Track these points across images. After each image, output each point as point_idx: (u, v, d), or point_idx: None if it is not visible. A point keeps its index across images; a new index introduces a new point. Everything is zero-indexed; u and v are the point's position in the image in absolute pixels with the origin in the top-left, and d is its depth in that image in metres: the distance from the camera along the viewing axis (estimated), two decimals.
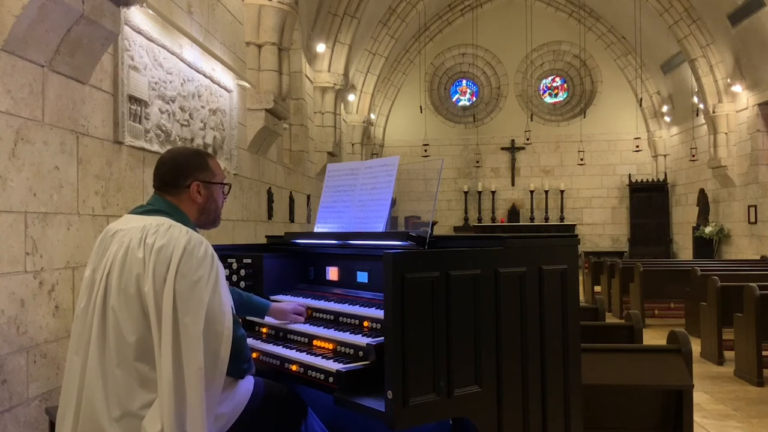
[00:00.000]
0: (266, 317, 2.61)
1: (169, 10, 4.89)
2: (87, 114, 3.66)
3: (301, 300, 2.69)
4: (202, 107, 5.61)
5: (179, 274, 1.92)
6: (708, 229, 13.49)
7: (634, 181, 17.47)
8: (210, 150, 5.80)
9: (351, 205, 2.76)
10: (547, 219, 17.66)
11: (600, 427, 3.25)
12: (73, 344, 2.05)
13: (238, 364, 2.10)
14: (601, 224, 17.92)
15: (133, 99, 4.24)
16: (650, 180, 17.39)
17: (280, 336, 2.58)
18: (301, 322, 2.58)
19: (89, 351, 1.98)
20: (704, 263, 9.72)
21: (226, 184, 2.30)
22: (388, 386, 1.82)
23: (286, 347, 2.44)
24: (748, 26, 11.29)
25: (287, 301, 2.70)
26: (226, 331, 1.97)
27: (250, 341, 2.56)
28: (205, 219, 2.23)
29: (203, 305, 1.92)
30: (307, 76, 10.51)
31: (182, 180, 2.16)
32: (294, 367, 2.29)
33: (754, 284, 5.84)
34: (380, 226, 2.57)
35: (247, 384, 2.27)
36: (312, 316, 2.64)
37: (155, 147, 4.54)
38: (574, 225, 17.56)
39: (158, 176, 2.19)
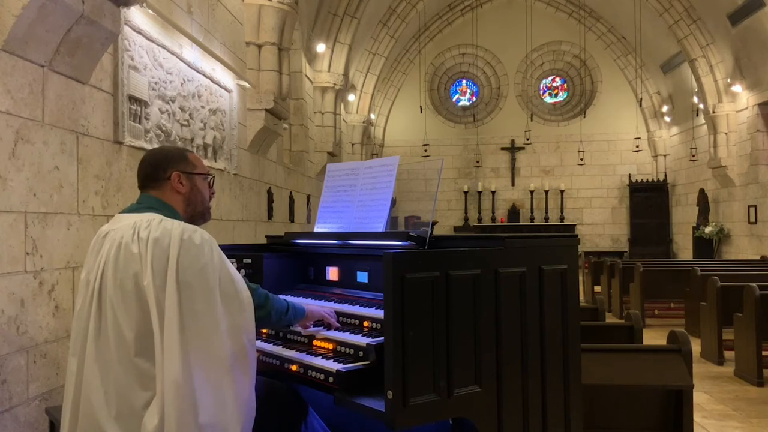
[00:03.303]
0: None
1: (169, 10, 4.89)
2: (87, 114, 3.66)
3: (300, 300, 2.69)
4: (202, 107, 5.61)
5: (181, 266, 1.92)
6: (708, 229, 13.49)
7: (634, 181, 17.47)
8: (210, 150, 5.80)
9: (351, 205, 2.76)
10: (547, 219, 17.66)
11: (600, 427, 3.25)
12: (71, 346, 2.06)
13: (279, 318, 2.25)
14: (601, 224, 17.91)
15: (133, 99, 4.24)
16: (650, 180, 17.38)
17: (280, 336, 2.58)
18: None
19: (86, 350, 1.98)
20: (704, 263, 9.71)
21: (207, 174, 2.31)
22: (388, 386, 1.82)
23: (286, 347, 2.44)
24: (748, 26, 11.29)
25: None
26: (247, 306, 2.02)
27: None
28: (192, 211, 2.23)
29: (215, 291, 1.94)
30: (307, 76, 10.51)
31: (162, 172, 2.19)
32: (294, 367, 2.29)
33: (754, 284, 5.84)
34: (380, 226, 2.57)
35: None
36: None
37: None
38: (574, 225, 17.56)
39: (140, 173, 2.24)
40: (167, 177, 2.19)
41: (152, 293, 1.91)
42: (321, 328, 2.44)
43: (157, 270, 1.92)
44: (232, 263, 2.81)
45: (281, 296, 2.38)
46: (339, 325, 2.44)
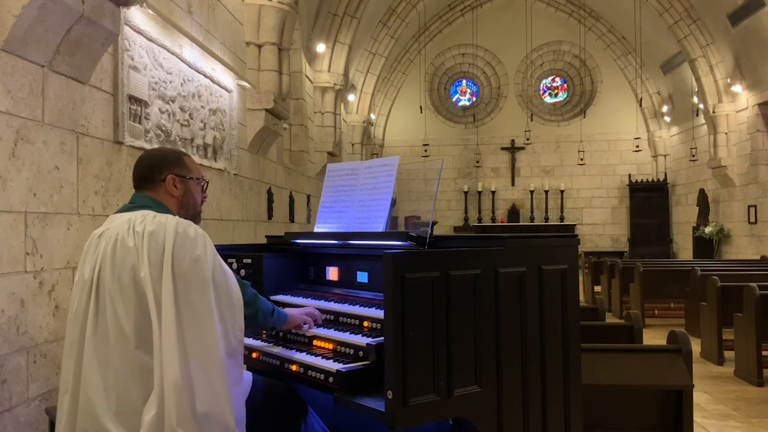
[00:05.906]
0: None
1: (169, 10, 4.89)
2: (87, 114, 3.66)
3: (300, 300, 2.69)
4: (202, 107, 5.61)
5: (176, 257, 1.94)
6: (708, 229, 13.49)
7: (634, 181, 17.47)
8: (210, 150, 5.80)
9: (351, 205, 2.76)
10: (547, 219, 17.66)
11: (600, 427, 3.25)
12: (67, 348, 2.06)
13: (265, 319, 2.31)
14: (601, 224, 17.92)
15: (133, 99, 4.24)
16: (650, 180, 17.38)
17: (280, 336, 2.58)
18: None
19: (85, 348, 1.98)
20: (704, 263, 9.71)
21: (202, 179, 2.32)
22: (388, 386, 1.82)
23: (286, 347, 2.44)
24: (748, 26, 11.29)
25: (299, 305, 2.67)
26: (236, 301, 2.04)
27: (249, 342, 2.57)
28: (184, 214, 2.24)
29: (208, 282, 1.96)
30: (307, 76, 10.51)
31: (157, 174, 2.21)
32: (294, 367, 2.29)
33: (754, 284, 5.83)
34: (380, 226, 2.57)
35: (246, 378, 2.27)
36: None
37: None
38: (574, 225, 17.56)
39: (135, 173, 2.25)
40: (162, 179, 2.21)
41: (149, 285, 1.93)
42: (322, 328, 2.44)
43: (153, 262, 1.94)
44: (232, 263, 2.84)
45: (271, 296, 2.41)
46: (321, 322, 2.49)
